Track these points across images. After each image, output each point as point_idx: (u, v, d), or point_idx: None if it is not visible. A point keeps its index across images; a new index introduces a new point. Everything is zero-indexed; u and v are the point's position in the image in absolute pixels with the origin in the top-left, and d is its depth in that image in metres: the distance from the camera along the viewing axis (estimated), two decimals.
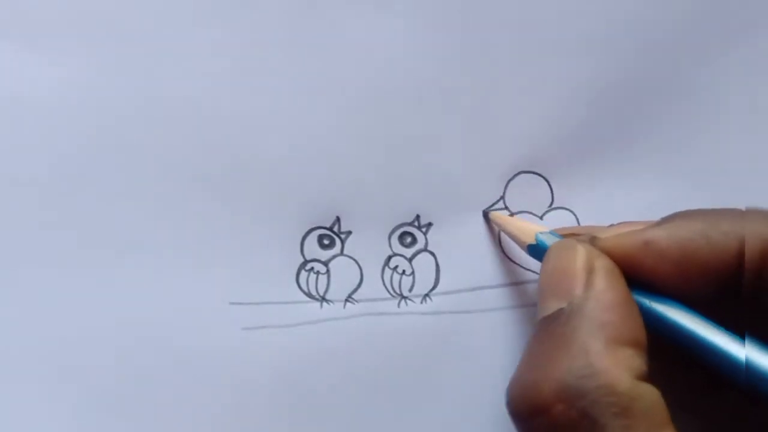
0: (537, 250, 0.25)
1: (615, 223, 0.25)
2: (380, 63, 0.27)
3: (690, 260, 0.21)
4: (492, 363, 0.28)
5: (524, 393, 0.21)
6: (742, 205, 0.28)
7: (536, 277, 0.28)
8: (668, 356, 0.22)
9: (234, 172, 0.27)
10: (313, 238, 0.28)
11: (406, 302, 0.28)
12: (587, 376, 0.19)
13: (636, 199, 0.28)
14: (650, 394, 0.20)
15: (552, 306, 0.22)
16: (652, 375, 0.20)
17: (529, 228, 0.26)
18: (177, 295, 0.27)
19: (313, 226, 0.28)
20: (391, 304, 0.28)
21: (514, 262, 0.28)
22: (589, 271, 0.22)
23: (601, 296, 0.21)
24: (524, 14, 0.28)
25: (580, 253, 0.22)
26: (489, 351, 0.28)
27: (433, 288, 0.28)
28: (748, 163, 0.29)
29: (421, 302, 0.28)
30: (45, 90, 0.27)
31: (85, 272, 0.27)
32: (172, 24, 0.27)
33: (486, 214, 0.28)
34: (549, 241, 0.25)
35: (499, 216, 0.28)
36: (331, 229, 0.28)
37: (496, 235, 0.28)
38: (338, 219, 0.28)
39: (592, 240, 0.23)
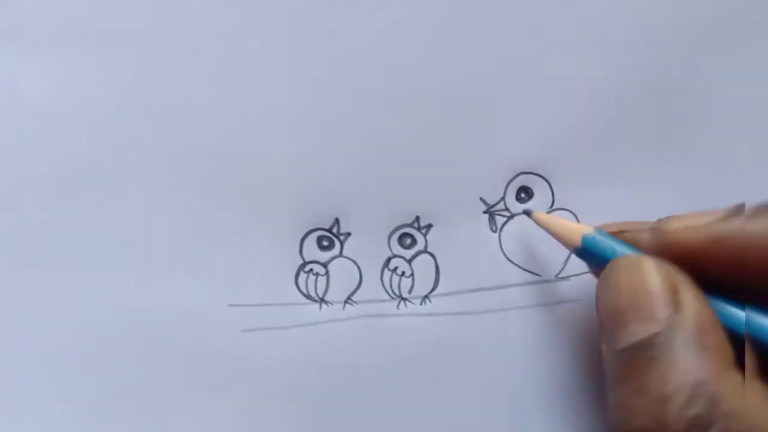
0: (585, 253, 0.24)
1: (663, 217, 0.23)
2: (379, 64, 0.27)
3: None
4: (492, 364, 0.28)
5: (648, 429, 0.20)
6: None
7: (534, 277, 0.28)
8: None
9: (233, 174, 0.27)
10: (312, 240, 0.28)
11: (405, 304, 0.28)
12: (711, 402, 0.19)
13: (637, 200, 0.28)
14: None
15: (640, 330, 0.20)
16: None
17: (577, 228, 0.25)
18: (176, 296, 0.27)
19: (312, 227, 0.28)
20: (391, 306, 0.28)
21: (514, 264, 0.28)
22: (673, 290, 0.21)
23: (696, 318, 0.20)
24: (525, 14, 0.28)
25: (655, 268, 0.21)
26: (489, 352, 0.28)
27: (433, 289, 0.28)
28: (751, 164, 0.28)
29: (421, 304, 0.28)
30: (44, 92, 0.27)
31: (83, 274, 0.27)
32: (170, 27, 0.27)
33: (528, 213, 0.27)
34: (600, 243, 0.24)
35: (543, 215, 0.26)
36: (330, 230, 0.28)
37: (497, 236, 0.28)
38: (337, 220, 0.28)
39: (656, 233, 0.22)
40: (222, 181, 0.27)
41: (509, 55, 0.28)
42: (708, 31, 0.28)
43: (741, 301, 0.21)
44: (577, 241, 0.24)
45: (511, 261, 0.28)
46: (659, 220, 0.23)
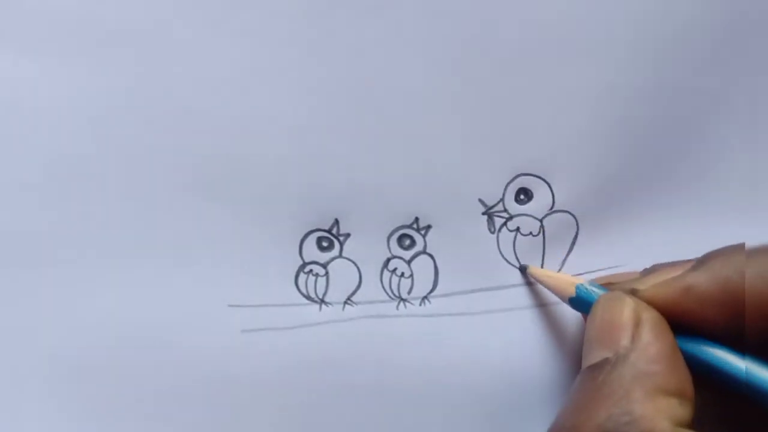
0: (578, 302, 0.25)
1: (648, 267, 0.25)
2: (379, 65, 0.27)
3: (733, 301, 0.22)
4: (491, 365, 0.28)
5: None
6: (744, 210, 0.28)
7: (534, 279, 0.28)
8: (718, 405, 0.22)
9: (233, 175, 0.27)
10: (311, 241, 0.28)
11: (404, 304, 0.28)
12: (627, 422, 0.20)
13: (637, 202, 0.28)
14: None
15: (597, 356, 0.22)
16: (699, 425, 0.20)
17: (569, 280, 0.26)
18: (176, 297, 0.27)
19: (312, 228, 0.28)
20: (390, 307, 0.28)
21: (512, 265, 0.28)
22: (636, 323, 0.22)
23: (646, 348, 0.21)
24: (526, 15, 0.27)
25: (627, 304, 0.23)
26: (488, 353, 0.28)
27: (432, 290, 0.28)
28: (752, 164, 0.28)
29: (420, 304, 0.28)
30: (44, 92, 0.27)
31: (84, 275, 0.27)
32: (170, 28, 0.27)
33: (524, 268, 0.28)
34: (590, 292, 0.25)
35: (538, 270, 0.28)
36: (329, 231, 0.28)
37: (496, 237, 0.28)
38: (337, 221, 0.28)
39: (633, 292, 0.23)
40: (222, 182, 0.27)
41: (509, 57, 0.28)
42: (709, 33, 0.28)
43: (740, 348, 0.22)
44: (571, 291, 0.26)
45: (509, 262, 0.28)
46: (644, 270, 0.25)
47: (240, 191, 0.27)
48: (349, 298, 0.28)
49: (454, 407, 0.28)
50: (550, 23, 0.28)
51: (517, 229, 0.28)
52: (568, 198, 0.28)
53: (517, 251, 0.28)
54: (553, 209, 0.28)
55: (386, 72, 0.27)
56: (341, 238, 0.28)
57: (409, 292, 0.28)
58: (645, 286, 0.23)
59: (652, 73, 0.28)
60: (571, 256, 0.28)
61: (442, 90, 0.28)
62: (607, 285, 0.25)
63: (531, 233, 0.28)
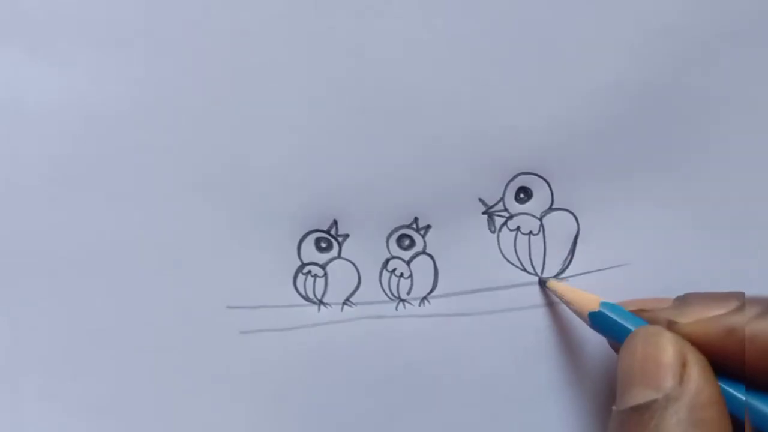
0: (600, 320, 0.25)
1: (681, 295, 0.24)
2: (378, 65, 0.27)
3: None
4: (491, 365, 0.28)
5: None
6: (744, 208, 0.28)
7: (533, 278, 0.28)
8: None
9: (231, 176, 0.27)
10: (310, 242, 0.28)
11: (404, 305, 0.28)
12: None
13: (636, 201, 0.28)
14: None
15: (641, 395, 0.22)
16: None
17: (590, 297, 0.25)
18: (174, 298, 0.27)
19: (311, 229, 0.28)
20: (389, 307, 0.28)
21: (513, 264, 0.28)
22: (682, 363, 0.22)
23: (698, 393, 0.21)
24: (525, 14, 0.27)
25: (671, 341, 0.22)
26: (487, 353, 0.28)
27: (432, 291, 0.28)
28: (751, 164, 0.28)
29: (420, 305, 0.28)
30: (45, 93, 0.27)
31: (82, 275, 0.27)
32: (171, 29, 0.27)
33: (543, 282, 0.27)
34: (614, 312, 0.24)
35: (558, 284, 0.27)
36: (328, 232, 0.28)
37: (496, 237, 0.28)
38: (335, 222, 0.28)
39: (671, 325, 0.23)
40: (220, 183, 0.27)
41: (509, 56, 0.27)
42: (708, 32, 0.28)
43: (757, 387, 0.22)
44: (593, 307, 0.25)
45: (509, 261, 0.28)
46: (677, 299, 0.24)
47: (238, 192, 0.27)
48: (348, 299, 0.28)
49: (453, 408, 0.28)
50: (550, 23, 0.27)
51: (518, 229, 0.28)
52: (567, 196, 0.28)
53: (517, 251, 0.28)
54: (553, 207, 0.28)
55: (385, 71, 0.27)
56: (340, 239, 0.28)
57: (408, 293, 0.28)
58: (685, 320, 0.23)
59: (652, 72, 0.28)
60: (571, 255, 0.28)
61: (442, 89, 0.27)
62: (638, 312, 0.24)
63: (531, 232, 0.28)
